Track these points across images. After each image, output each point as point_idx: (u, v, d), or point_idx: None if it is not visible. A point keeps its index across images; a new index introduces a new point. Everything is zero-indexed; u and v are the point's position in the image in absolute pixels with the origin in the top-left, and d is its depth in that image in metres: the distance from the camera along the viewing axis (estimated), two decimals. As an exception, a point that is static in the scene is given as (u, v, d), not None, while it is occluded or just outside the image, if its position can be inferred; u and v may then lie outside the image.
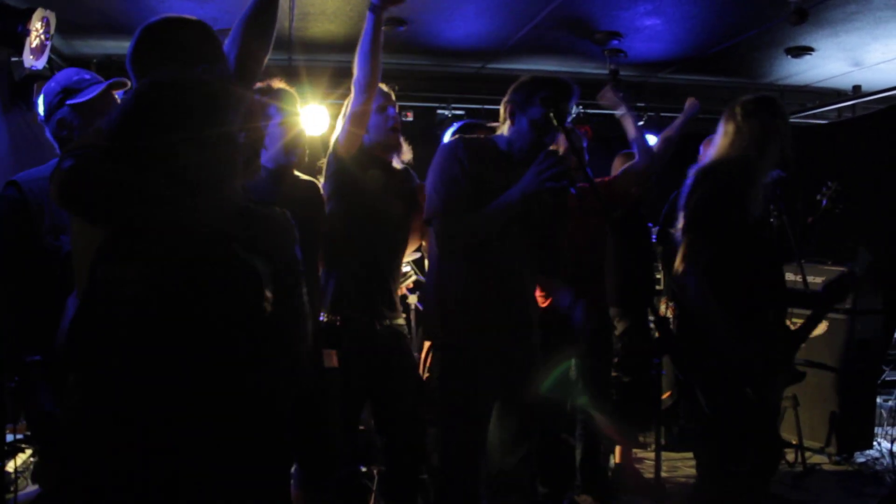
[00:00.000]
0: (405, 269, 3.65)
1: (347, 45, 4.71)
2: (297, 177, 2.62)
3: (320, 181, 2.72)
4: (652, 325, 4.04)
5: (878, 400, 4.76)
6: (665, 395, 4.40)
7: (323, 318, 2.60)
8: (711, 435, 2.37)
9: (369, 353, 2.62)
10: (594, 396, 3.46)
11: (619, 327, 3.91)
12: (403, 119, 5.39)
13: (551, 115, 2.23)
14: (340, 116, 2.72)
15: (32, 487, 2.52)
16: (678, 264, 2.36)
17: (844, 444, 4.36)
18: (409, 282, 3.79)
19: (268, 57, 1.85)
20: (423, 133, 5.42)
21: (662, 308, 4.24)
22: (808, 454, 4.24)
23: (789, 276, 4.31)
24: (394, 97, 2.78)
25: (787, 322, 2.60)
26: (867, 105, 6.08)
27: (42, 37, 3.58)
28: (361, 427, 3.21)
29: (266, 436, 1.38)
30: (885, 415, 4.83)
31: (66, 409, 1.48)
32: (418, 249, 3.16)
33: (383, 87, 2.66)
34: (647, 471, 4.05)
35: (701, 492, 2.49)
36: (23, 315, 2.07)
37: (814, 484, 4.01)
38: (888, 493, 3.91)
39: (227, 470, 1.33)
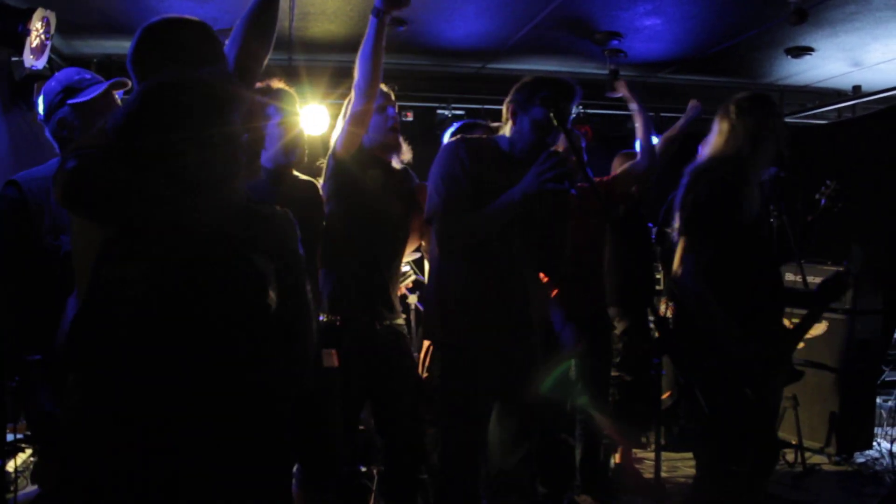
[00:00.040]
0: (405, 268, 3.65)
1: (347, 45, 4.74)
2: (297, 177, 2.62)
3: (319, 182, 2.72)
4: (652, 325, 4.04)
5: (878, 400, 4.76)
6: (665, 395, 4.40)
7: (322, 318, 2.60)
8: (711, 435, 2.37)
9: (369, 353, 2.62)
10: (594, 396, 3.46)
11: (619, 327, 3.92)
12: (403, 119, 5.40)
13: (551, 114, 2.23)
14: (340, 117, 2.72)
15: (32, 487, 2.53)
16: (676, 265, 2.36)
17: (844, 444, 4.36)
18: (409, 281, 3.79)
19: (268, 57, 1.86)
20: (424, 133, 5.42)
21: (662, 308, 4.25)
22: (807, 454, 4.24)
23: (789, 277, 4.33)
24: (393, 97, 2.78)
25: (785, 321, 2.60)
26: (867, 105, 6.08)
27: (42, 37, 3.58)
28: (361, 427, 3.21)
29: (266, 436, 1.38)
30: (884, 415, 4.83)
31: (66, 408, 1.48)
32: (417, 249, 3.16)
33: (383, 87, 2.66)
34: (647, 471, 4.05)
35: (700, 492, 2.49)
36: (23, 314, 2.07)
37: (813, 484, 4.01)
38: (888, 493, 3.91)
39: (227, 470, 1.33)
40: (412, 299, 3.91)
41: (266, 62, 1.86)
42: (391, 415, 2.71)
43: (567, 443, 3.50)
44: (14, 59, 3.80)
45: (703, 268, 2.32)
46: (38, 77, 3.84)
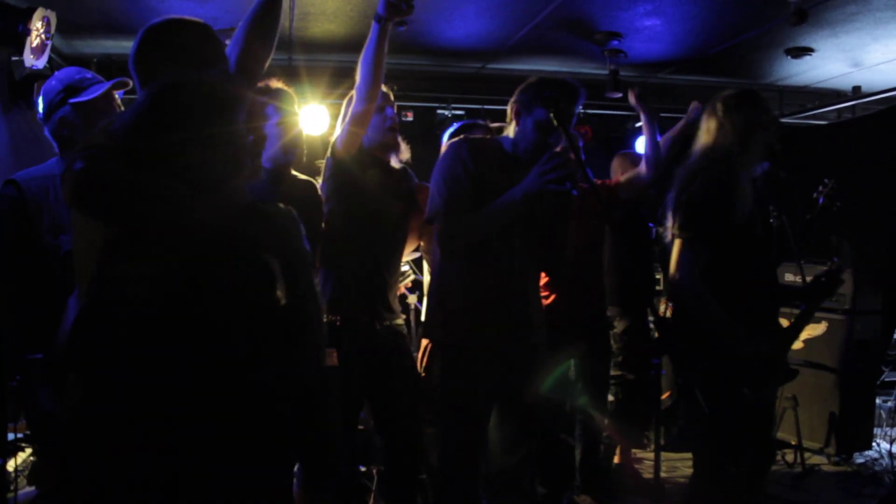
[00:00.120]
0: (404, 268, 3.65)
1: (347, 45, 4.74)
2: (296, 177, 2.62)
3: (318, 182, 2.72)
4: (652, 325, 4.04)
5: (878, 401, 4.76)
6: (665, 396, 4.41)
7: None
8: (710, 435, 2.36)
9: (369, 353, 2.62)
10: (594, 396, 3.46)
11: (619, 327, 3.92)
12: (403, 119, 5.40)
13: (551, 114, 2.23)
14: (340, 117, 2.73)
15: (32, 488, 2.53)
16: (673, 267, 2.36)
17: (843, 444, 4.36)
18: (408, 281, 3.79)
19: (270, 58, 1.86)
20: (424, 133, 5.42)
21: (662, 308, 4.24)
22: (807, 455, 4.25)
23: (789, 277, 4.33)
24: (392, 97, 2.78)
25: (783, 321, 2.60)
26: (867, 106, 6.08)
27: (42, 36, 3.58)
28: (361, 427, 3.22)
29: (267, 436, 1.38)
30: (884, 415, 4.84)
31: (67, 408, 1.48)
32: (416, 249, 3.16)
33: (382, 87, 2.66)
34: (647, 471, 4.05)
35: (699, 492, 2.49)
36: (23, 314, 2.07)
37: (813, 484, 4.01)
38: (887, 493, 3.91)
39: (227, 470, 1.33)
40: (412, 299, 3.92)
41: (268, 63, 1.87)
42: (391, 415, 2.71)
43: (567, 443, 3.50)
44: (14, 58, 3.80)
45: (700, 268, 2.31)
46: (39, 77, 3.84)
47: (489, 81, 5.82)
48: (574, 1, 4.19)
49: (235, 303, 1.34)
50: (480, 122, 3.33)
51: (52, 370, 1.95)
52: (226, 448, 1.32)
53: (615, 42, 4.87)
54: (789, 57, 5.17)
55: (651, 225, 4.47)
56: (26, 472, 2.61)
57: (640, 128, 6.03)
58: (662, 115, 6.03)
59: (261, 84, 2.41)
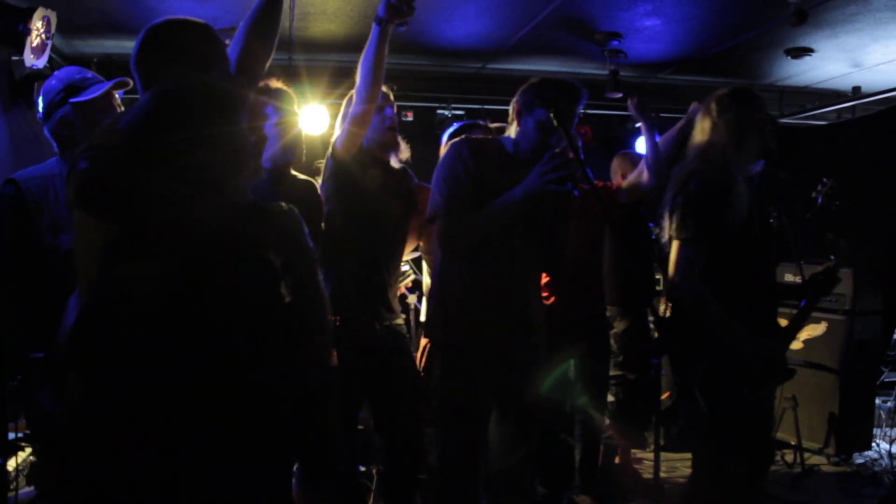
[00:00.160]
0: (404, 267, 3.65)
1: (348, 45, 4.74)
2: (295, 177, 2.63)
3: (318, 182, 2.72)
4: (652, 326, 4.04)
5: (877, 401, 4.76)
6: (664, 396, 4.41)
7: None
8: (710, 435, 2.36)
9: (369, 353, 2.62)
10: (593, 396, 3.46)
11: (620, 327, 3.91)
12: (403, 119, 5.40)
13: (551, 114, 2.23)
14: (339, 117, 2.73)
15: (31, 488, 2.53)
16: (672, 268, 2.36)
17: (843, 445, 4.36)
18: (409, 281, 3.80)
19: (270, 58, 1.87)
20: (423, 133, 5.42)
21: (662, 308, 4.24)
22: (806, 455, 4.24)
23: (789, 277, 4.33)
24: (392, 97, 2.78)
25: (782, 321, 2.60)
26: (867, 106, 6.08)
27: (43, 36, 3.58)
28: (360, 427, 3.22)
29: (267, 436, 1.38)
30: (883, 416, 4.84)
31: (67, 408, 1.49)
32: (415, 249, 3.17)
33: (382, 87, 2.66)
34: (646, 471, 4.05)
35: (699, 492, 2.49)
36: (23, 313, 2.07)
37: (812, 485, 4.01)
38: (886, 494, 3.91)
39: (227, 470, 1.33)
40: (411, 299, 3.92)
41: (268, 63, 1.87)
42: (391, 415, 2.71)
43: (566, 443, 3.50)
44: (14, 58, 3.80)
45: (699, 269, 2.31)
46: (39, 76, 3.84)
47: (489, 81, 5.82)
48: (574, 1, 4.19)
49: (236, 303, 1.34)
50: (480, 122, 3.33)
51: (53, 370, 1.95)
52: (226, 448, 1.32)
53: (615, 42, 4.87)
54: (789, 57, 5.17)
55: (651, 225, 4.47)
56: (26, 471, 2.61)
57: (639, 128, 6.05)
58: (662, 115, 6.03)
59: (261, 84, 2.41)
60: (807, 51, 5.01)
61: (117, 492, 1.30)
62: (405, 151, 2.81)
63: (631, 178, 3.53)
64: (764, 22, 4.48)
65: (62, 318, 1.58)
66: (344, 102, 2.72)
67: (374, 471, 3.34)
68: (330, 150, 2.70)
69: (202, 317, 1.31)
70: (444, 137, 3.26)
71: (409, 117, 5.62)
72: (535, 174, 2.20)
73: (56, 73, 2.24)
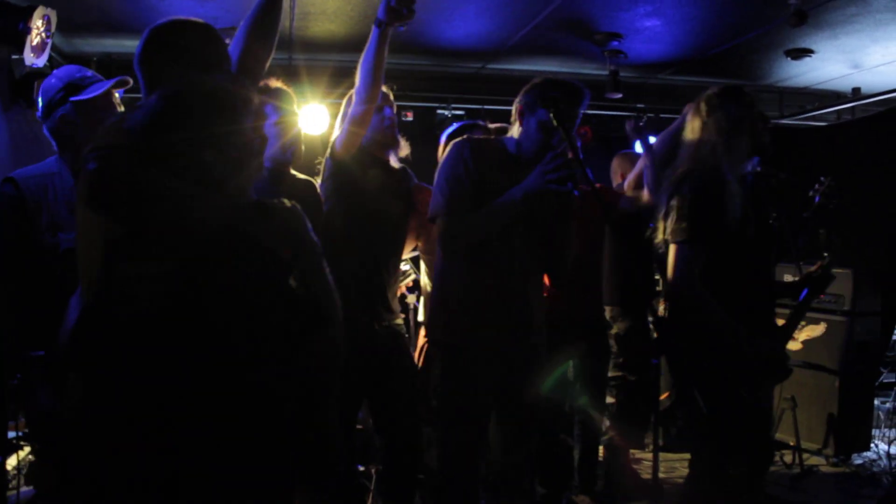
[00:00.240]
0: (405, 267, 3.65)
1: (348, 45, 4.74)
2: (295, 176, 2.62)
3: (317, 181, 2.72)
4: (651, 326, 4.04)
5: (876, 402, 4.76)
6: (663, 396, 4.41)
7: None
8: (710, 435, 2.37)
9: (368, 353, 2.62)
10: (592, 397, 3.46)
11: (620, 328, 3.91)
12: (403, 119, 5.41)
13: (551, 115, 2.23)
14: (339, 117, 2.73)
15: (30, 487, 2.53)
16: (670, 272, 2.35)
17: (842, 445, 4.36)
18: (409, 280, 3.79)
19: (271, 57, 1.87)
20: (423, 133, 5.42)
21: (661, 309, 4.23)
22: (805, 456, 4.25)
23: (788, 278, 4.33)
24: (392, 97, 2.78)
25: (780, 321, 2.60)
26: (866, 107, 6.09)
27: (43, 35, 3.59)
28: (360, 426, 3.22)
29: (268, 436, 1.38)
30: (882, 417, 4.84)
31: (67, 408, 1.49)
32: (414, 249, 3.17)
33: (383, 87, 2.66)
34: (645, 471, 4.05)
35: (699, 492, 2.49)
36: (23, 312, 2.07)
37: (811, 485, 4.01)
38: (885, 494, 3.91)
39: (227, 470, 1.33)
40: (411, 299, 3.92)
41: (269, 63, 1.88)
42: (390, 415, 2.71)
43: (566, 443, 3.51)
44: (14, 56, 3.80)
45: (699, 272, 2.31)
46: (39, 75, 3.84)
47: (489, 82, 5.82)
48: (574, 1, 4.20)
49: (237, 303, 1.34)
50: (480, 122, 3.33)
51: (53, 369, 1.95)
52: (226, 448, 1.32)
53: (615, 43, 4.88)
54: (789, 58, 5.17)
55: (652, 225, 4.47)
56: (25, 470, 2.61)
57: (640, 119, 6.04)
58: (662, 115, 6.05)
59: (261, 84, 2.41)
60: (807, 52, 5.01)
61: (117, 492, 1.30)
62: (405, 149, 2.81)
63: (630, 178, 3.53)
64: (764, 23, 4.48)
65: (62, 316, 1.58)
66: (344, 102, 2.72)
67: (373, 470, 3.34)
68: (329, 150, 2.70)
69: (203, 317, 1.31)
70: (443, 137, 3.26)
71: (409, 117, 5.62)
72: (536, 174, 2.20)
73: (55, 71, 2.24)
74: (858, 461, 4.37)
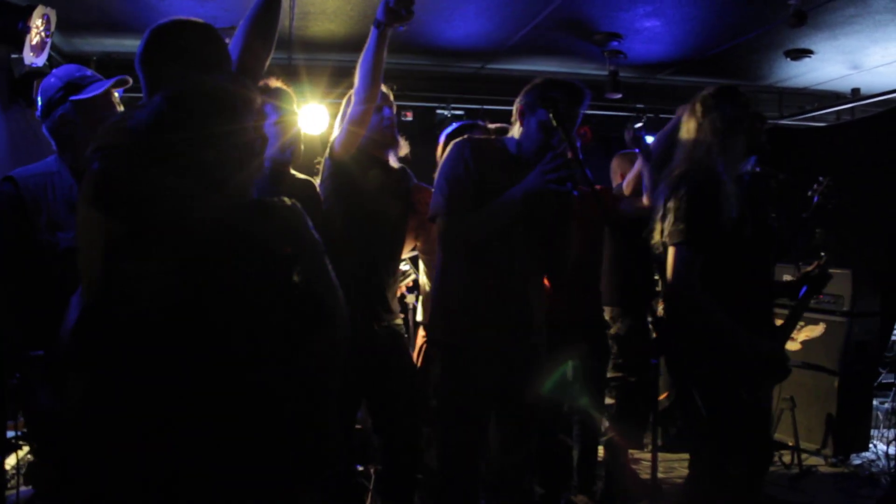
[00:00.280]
0: (405, 267, 3.65)
1: (347, 45, 4.74)
2: (294, 176, 2.63)
3: (316, 181, 2.72)
4: (650, 326, 4.04)
5: (875, 402, 4.77)
6: (662, 396, 4.41)
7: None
8: (709, 435, 2.37)
9: (367, 353, 2.62)
10: (592, 397, 3.46)
11: (619, 328, 3.91)
12: (403, 119, 5.40)
13: (550, 115, 2.24)
14: (338, 117, 2.73)
15: (27, 487, 2.53)
16: (670, 274, 2.35)
17: (841, 445, 4.37)
18: (409, 280, 3.80)
19: (270, 57, 1.88)
20: (423, 133, 5.42)
21: (660, 309, 4.23)
22: (804, 456, 4.25)
23: (787, 278, 4.33)
24: (392, 97, 2.78)
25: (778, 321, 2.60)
26: (866, 108, 6.09)
27: (42, 34, 3.58)
28: (358, 426, 3.21)
29: (268, 436, 1.38)
30: (881, 417, 4.85)
31: (67, 408, 1.49)
32: (413, 249, 3.16)
33: (382, 87, 2.66)
34: (644, 471, 4.06)
35: (699, 492, 2.49)
36: (22, 311, 2.07)
37: (810, 485, 4.02)
38: (884, 495, 3.92)
39: (227, 470, 1.33)
40: (410, 298, 3.92)
41: (268, 62, 1.88)
42: (389, 414, 2.71)
43: (564, 443, 3.51)
44: (14, 56, 3.80)
45: (699, 274, 2.30)
46: (38, 74, 3.83)
47: (489, 82, 5.82)
48: (574, 1, 4.20)
49: (237, 303, 1.34)
50: (479, 122, 3.33)
51: (52, 368, 1.95)
52: (226, 448, 1.32)
53: (615, 43, 4.88)
54: (789, 59, 5.18)
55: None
56: (24, 469, 2.61)
57: (638, 128, 6.04)
58: (662, 116, 6.05)
59: (260, 83, 2.42)
60: (806, 52, 5.02)
61: (117, 492, 1.30)
62: (405, 148, 2.81)
63: (629, 178, 3.53)
64: (763, 23, 4.49)
65: (61, 315, 1.58)
66: (343, 102, 2.72)
67: (372, 470, 3.34)
68: (328, 150, 2.70)
69: (203, 317, 1.31)
70: (442, 137, 3.26)
71: (409, 117, 5.63)
72: (535, 173, 2.20)
73: (55, 70, 2.24)
74: (857, 461, 4.38)
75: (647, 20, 4.49)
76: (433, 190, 2.40)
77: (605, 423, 3.74)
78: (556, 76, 2.41)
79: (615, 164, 4.07)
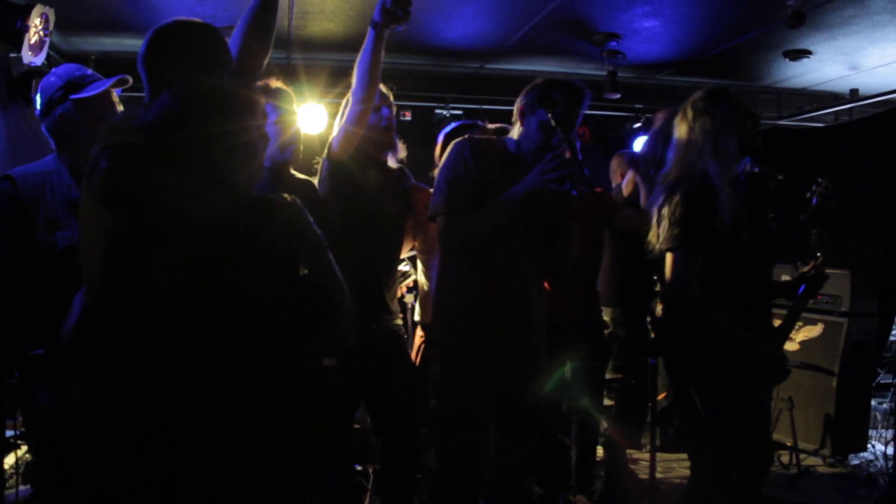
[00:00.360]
0: (405, 267, 3.65)
1: (346, 44, 4.74)
2: (294, 176, 2.62)
3: (315, 181, 2.72)
4: (649, 326, 4.04)
5: (873, 402, 4.78)
6: (661, 396, 4.41)
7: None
8: (709, 436, 2.37)
9: (366, 353, 2.61)
10: (591, 397, 3.46)
11: (619, 329, 3.91)
12: (402, 118, 5.40)
13: (549, 115, 2.24)
14: (337, 117, 2.72)
15: (26, 486, 2.52)
16: (669, 277, 2.35)
17: (839, 446, 4.37)
18: (409, 281, 3.79)
19: (268, 56, 1.88)
20: (422, 133, 5.42)
21: (659, 309, 4.23)
22: (802, 456, 4.26)
23: (786, 278, 4.34)
24: (391, 97, 2.78)
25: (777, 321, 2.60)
26: (864, 109, 6.10)
27: (41, 33, 3.58)
28: (357, 426, 3.21)
29: (268, 436, 1.38)
30: (879, 417, 4.85)
31: (68, 407, 1.49)
32: (411, 249, 3.16)
33: (382, 87, 2.66)
34: (642, 471, 4.06)
35: (699, 492, 2.49)
36: (21, 310, 2.07)
37: (808, 486, 4.02)
38: (882, 495, 3.92)
39: (227, 470, 1.33)
40: (409, 298, 3.92)
41: (266, 61, 1.88)
42: (388, 414, 2.71)
43: (563, 443, 3.51)
44: (12, 55, 3.80)
45: (697, 277, 2.30)
46: (37, 73, 3.83)
47: (488, 81, 5.83)
48: (573, 2, 4.20)
49: (238, 302, 1.34)
50: (478, 122, 3.34)
51: (52, 368, 1.95)
52: (226, 448, 1.32)
53: (614, 43, 4.88)
54: (787, 59, 5.18)
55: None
56: (23, 469, 2.61)
57: (637, 128, 6.05)
58: (660, 116, 6.03)
59: (259, 83, 2.41)
60: (805, 53, 5.02)
61: (117, 492, 1.30)
62: (402, 150, 2.81)
63: (624, 186, 3.56)
64: (762, 24, 4.49)
65: (60, 314, 1.58)
66: (343, 103, 2.72)
67: (370, 470, 3.34)
68: (326, 150, 2.70)
69: (204, 317, 1.31)
70: (441, 137, 3.26)
71: (408, 117, 5.62)
72: (535, 172, 2.21)
73: (55, 70, 2.24)
74: (855, 461, 4.38)
75: (646, 20, 4.49)
76: (433, 189, 2.40)
77: (605, 424, 3.74)
78: (555, 76, 2.41)
79: (615, 164, 4.07)
